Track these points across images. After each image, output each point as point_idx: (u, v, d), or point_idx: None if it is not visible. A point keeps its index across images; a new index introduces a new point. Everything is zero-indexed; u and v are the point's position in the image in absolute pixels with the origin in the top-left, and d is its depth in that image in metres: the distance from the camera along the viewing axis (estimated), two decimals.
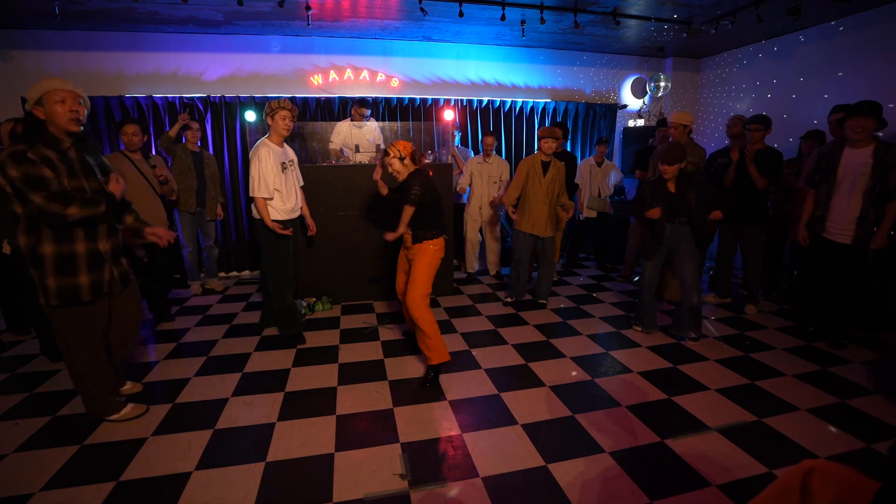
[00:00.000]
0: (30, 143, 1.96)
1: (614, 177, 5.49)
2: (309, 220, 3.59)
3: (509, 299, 4.26)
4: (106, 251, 2.19)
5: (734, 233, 3.97)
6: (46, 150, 1.97)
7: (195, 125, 4.37)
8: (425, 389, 2.74)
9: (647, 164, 4.64)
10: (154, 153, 5.07)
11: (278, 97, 5.21)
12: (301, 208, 3.44)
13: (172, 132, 4.22)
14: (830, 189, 3.12)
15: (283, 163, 3.19)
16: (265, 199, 3.12)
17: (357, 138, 4.71)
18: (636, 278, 5.06)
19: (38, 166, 1.92)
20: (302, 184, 3.48)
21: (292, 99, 5.28)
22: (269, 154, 3.11)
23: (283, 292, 3.36)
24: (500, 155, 5.98)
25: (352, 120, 4.78)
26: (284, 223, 3.23)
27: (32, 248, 2.03)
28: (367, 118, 4.76)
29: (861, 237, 3.01)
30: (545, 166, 3.89)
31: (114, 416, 2.39)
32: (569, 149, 6.29)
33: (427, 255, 2.79)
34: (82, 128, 2.09)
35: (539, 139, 3.86)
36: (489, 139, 4.83)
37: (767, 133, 3.72)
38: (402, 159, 2.76)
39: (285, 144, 3.29)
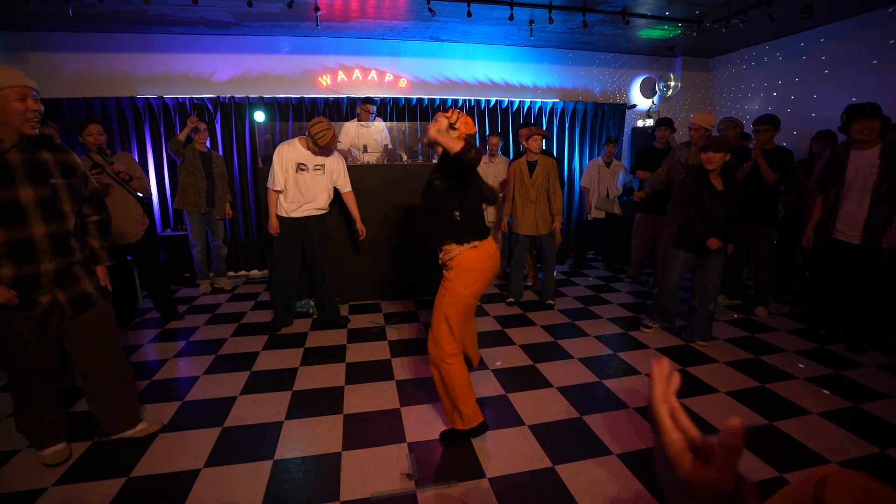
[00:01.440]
0: None
1: (623, 177, 5.46)
2: (358, 225, 3.70)
3: (510, 300, 4.28)
4: (48, 272, 1.83)
5: (745, 233, 3.93)
6: None
7: (203, 126, 4.40)
8: (429, 386, 2.71)
9: (648, 163, 4.60)
10: (165, 156, 5.15)
11: (287, 98, 5.28)
12: (319, 209, 3.52)
13: (182, 136, 4.24)
14: (839, 192, 3.11)
15: (301, 164, 3.33)
16: (272, 189, 3.36)
17: (365, 138, 4.73)
18: (645, 276, 5.03)
19: None
20: (347, 189, 3.60)
21: (300, 99, 5.31)
22: (285, 151, 3.31)
23: (279, 283, 3.59)
24: (508, 155, 5.97)
25: (358, 119, 4.79)
26: (286, 220, 3.42)
27: None
28: (373, 115, 4.78)
29: (869, 237, 2.99)
30: (531, 166, 3.89)
31: (45, 452, 2.06)
32: (577, 149, 6.28)
33: (473, 272, 2.08)
34: (37, 130, 1.78)
35: (526, 139, 3.84)
36: (494, 139, 4.83)
37: (776, 133, 3.68)
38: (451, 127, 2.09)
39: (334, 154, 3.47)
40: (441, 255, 2.15)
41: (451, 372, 2.10)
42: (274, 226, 3.41)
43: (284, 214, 3.42)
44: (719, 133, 4.42)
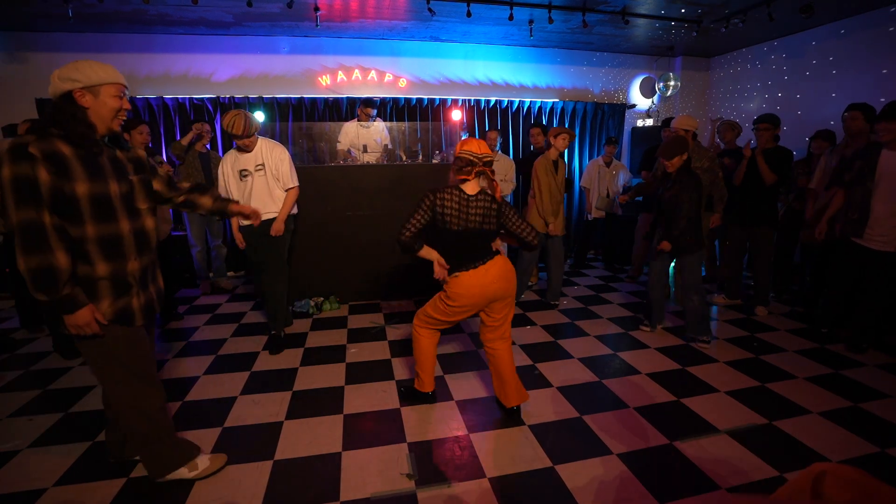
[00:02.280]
0: (41, 135, 1.53)
1: (623, 177, 5.46)
2: (276, 224, 3.21)
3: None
4: (134, 271, 1.74)
5: (744, 233, 3.92)
6: (62, 145, 1.55)
7: (207, 128, 4.38)
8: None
9: (653, 164, 4.61)
10: (164, 158, 5.15)
11: (287, 98, 5.28)
12: (271, 213, 3.21)
13: (185, 140, 4.23)
14: (868, 192, 2.99)
15: (243, 170, 3.11)
16: None
17: (364, 138, 4.73)
18: (644, 275, 5.03)
19: (34, 165, 1.47)
20: (289, 186, 3.22)
21: (300, 99, 5.31)
22: (226, 161, 3.16)
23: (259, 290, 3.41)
24: (508, 153, 5.97)
25: (358, 120, 4.79)
26: (242, 228, 3.23)
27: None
28: (373, 118, 4.77)
29: None
30: (555, 165, 3.90)
31: (198, 465, 1.97)
32: (577, 149, 6.28)
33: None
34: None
35: (556, 136, 3.83)
36: (492, 133, 4.81)
37: (776, 132, 3.67)
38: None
39: (262, 145, 3.14)
40: None
41: (414, 338, 2.51)
42: (239, 240, 3.25)
43: (243, 223, 3.22)
44: (718, 135, 4.43)
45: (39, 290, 1.53)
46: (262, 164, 3.14)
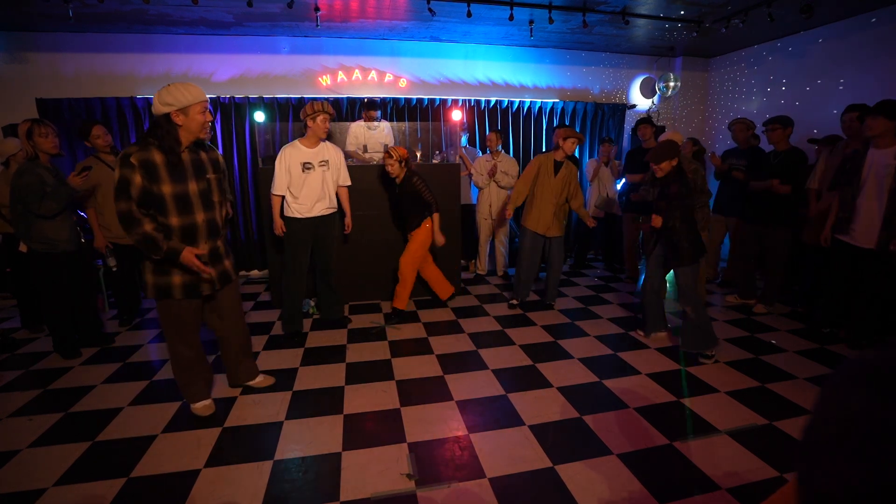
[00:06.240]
0: (142, 145, 2.02)
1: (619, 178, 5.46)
2: (347, 219, 3.64)
3: (514, 301, 4.21)
4: (203, 254, 2.19)
5: (755, 232, 3.89)
6: (157, 154, 2.03)
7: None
8: (429, 386, 2.75)
9: (638, 164, 4.54)
10: None
11: (287, 98, 5.28)
12: (330, 208, 3.46)
13: None
14: (855, 191, 3.00)
15: (306, 163, 3.26)
16: (276, 195, 3.29)
17: (368, 139, 4.75)
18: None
19: (132, 172, 1.98)
20: (348, 184, 3.54)
21: (300, 99, 5.31)
22: (287, 154, 3.24)
23: (291, 291, 3.46)
24: (508, 153, 5.96)
25: (363, 121, 4.80)
26: (300, 222, 3.33)
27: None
28: (377, 120, 4.78)
29: (885, 241, 2.88)
30: (557, 166, 3.87)
31: (196, 405, 2.46)
32: (577, 149, 6.28)
33: (423, 233, 3.75)
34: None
35: (564, 139, 3.79)
36: (492, 135, 4.79)
37: (786, 131, 3.65)
38: (401, 162, 3.55)
39: (326, 144, 3.39)
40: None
41: (402, 275, 3.79)
42: (279, 226, 3.33)
43: (298, 216, 3.32)
44: (732, 135, 4.38)
45: (150, 252, 2.04)
46: (327, 161, 3.36)
